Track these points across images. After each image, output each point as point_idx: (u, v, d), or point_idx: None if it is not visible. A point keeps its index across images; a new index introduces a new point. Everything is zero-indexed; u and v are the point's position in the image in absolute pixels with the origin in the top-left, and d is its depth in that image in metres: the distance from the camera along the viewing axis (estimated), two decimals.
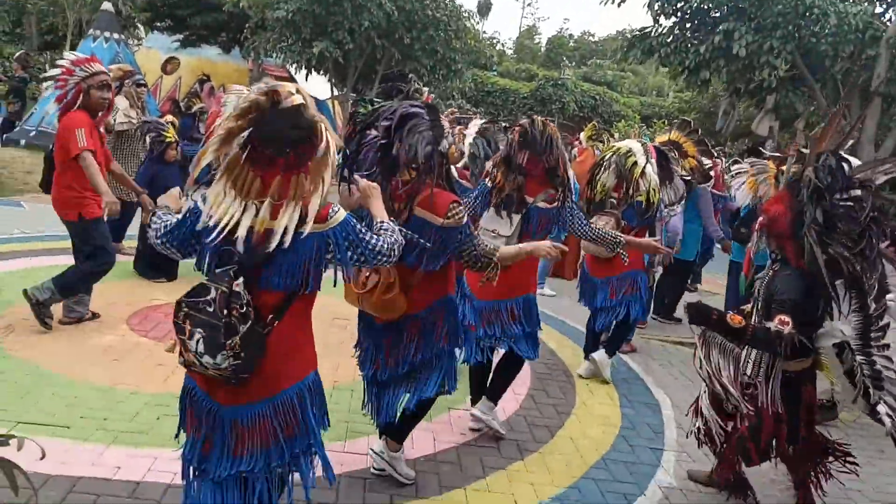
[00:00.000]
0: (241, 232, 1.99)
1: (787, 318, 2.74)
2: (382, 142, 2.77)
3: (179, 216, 2.18)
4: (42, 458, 1.63)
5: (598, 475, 3.64)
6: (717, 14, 11.97)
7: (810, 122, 13.24)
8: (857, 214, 2.74)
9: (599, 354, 5.05)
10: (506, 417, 4.19)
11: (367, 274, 2.80)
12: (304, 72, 14.07)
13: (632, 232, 4.87)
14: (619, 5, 12.44)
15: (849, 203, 2.77)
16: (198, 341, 1.98)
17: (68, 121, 4.62)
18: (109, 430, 3.37)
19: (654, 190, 4.84)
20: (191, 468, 2.25)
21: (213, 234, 2.00)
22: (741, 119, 15.56)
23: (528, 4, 71.17)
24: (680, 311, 7.31)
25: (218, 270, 2.05)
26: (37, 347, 4.33)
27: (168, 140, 6.29)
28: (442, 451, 3.68)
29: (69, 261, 4.98)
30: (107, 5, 12.69)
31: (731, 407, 3.06)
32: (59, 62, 4.87)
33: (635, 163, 4.86)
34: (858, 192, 2.77)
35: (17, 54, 14.35)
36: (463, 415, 4.15)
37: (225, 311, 1.96)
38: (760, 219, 3.12)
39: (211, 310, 1.97)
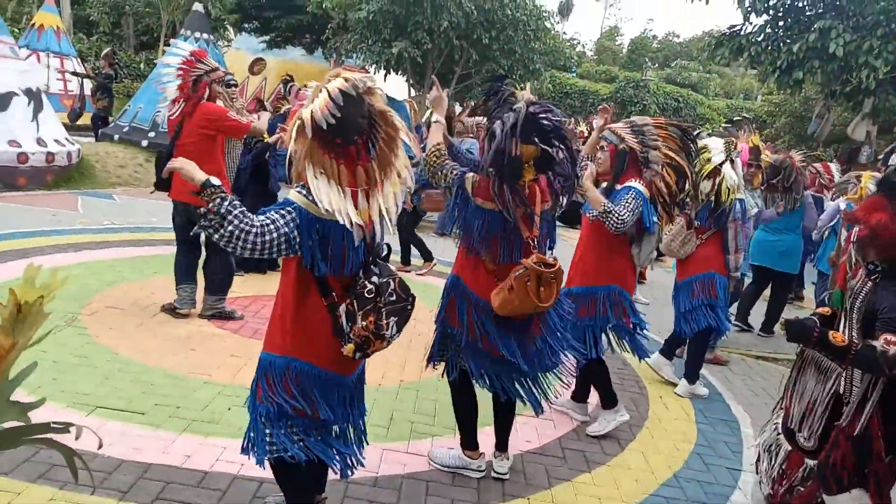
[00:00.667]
0: (374, 217, 2.24)
1: (893, 338, 2.47)
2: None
3: (276, 216, 2.17)
4: (100, 448, 1.64)
5: (669, 493, 3.48)
6: (812, 12, 11.36)
7: None
8: None
9: (654, 357, 5.05)
10: (573, 427, 4.07)
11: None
12: (382, 72, 14.24)
13: (704, 234, 4.74)
14: (707, 2, 12.01)
15: None
16: (391, 325, 2.26)
17: (211, 110, 4.77)
18: (182, 419, 3.46)
19: (727, 189, 4.62)
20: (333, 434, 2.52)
21: (354, 229, 2.17)
22: (836, 123, 14.72)
23: (611, 5, 69.86)
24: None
25: (381, 263, 2.38)
26: (119, 335, 4.51)
27: (266, 139, 6.26)
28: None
29: (153, 251, 5.18)
30: (198, 7, 13.19)
31: (807, 436, 2.78)
32: (175, 51, 4.93)
33: (708, 160, 4.67)
34: None
35: (105, 51, 14.88)
36: (528, 421, 4.05)
37: (404, 294, 2.32)
38: (858, 229, 2.82)
39: (394, 298, 2.28)
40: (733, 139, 4.96)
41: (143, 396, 3.66)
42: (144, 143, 11.50)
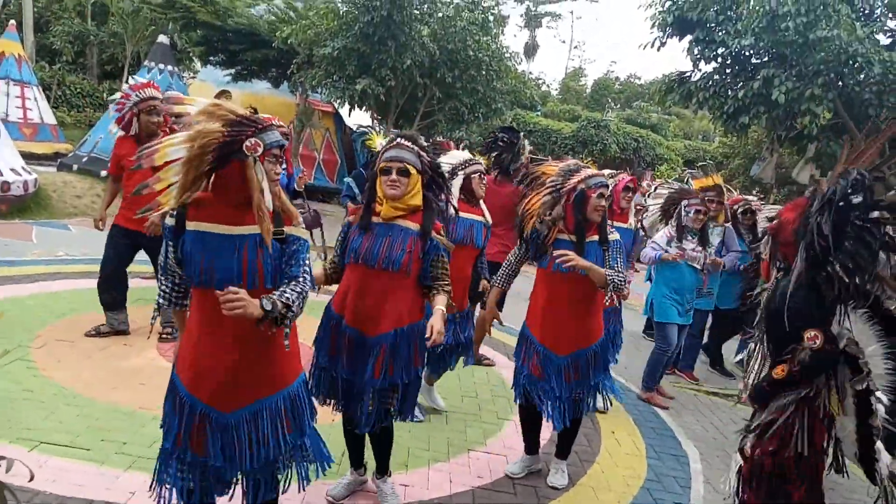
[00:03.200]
0: None
1: (813, 332, 2.54)
2: None
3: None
4: (31, 480, 1.64)
5: None
6: (757, 60, 11.87)
7: None
8: (871, 238, 2.50)
9: None
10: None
11: None
12: (347, 107, 14.36)
13: None
14: (658, 49, 12.46)
15: (865, 224, 2.52)
16: None
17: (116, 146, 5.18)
18: (128, 455, 3.42)
19: None
20: None
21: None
22: (785, 166, 15.28)
23: (576, 47, 71.62)
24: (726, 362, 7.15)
25: None
26: (67, 368, 4.43)
27: None
28: (457, 494, 3.63)
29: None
30: (163, 38, 13.19)
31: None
32: (123, 88, 5.23)
33: None
34: (879, 214, 2.52)
35: None
36: (481, 457, 4.10)
37: None
38: (771, 223, 2.99)
39: None
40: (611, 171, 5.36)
41: (88, 431, 3.60)
42: (103, 173, 11.35)
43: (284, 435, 2.42)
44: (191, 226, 2.26)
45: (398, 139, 3.09)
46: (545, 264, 3.61)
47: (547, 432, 4.60)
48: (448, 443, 4.23)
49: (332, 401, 3.18)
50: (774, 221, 2.89)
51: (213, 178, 2.23)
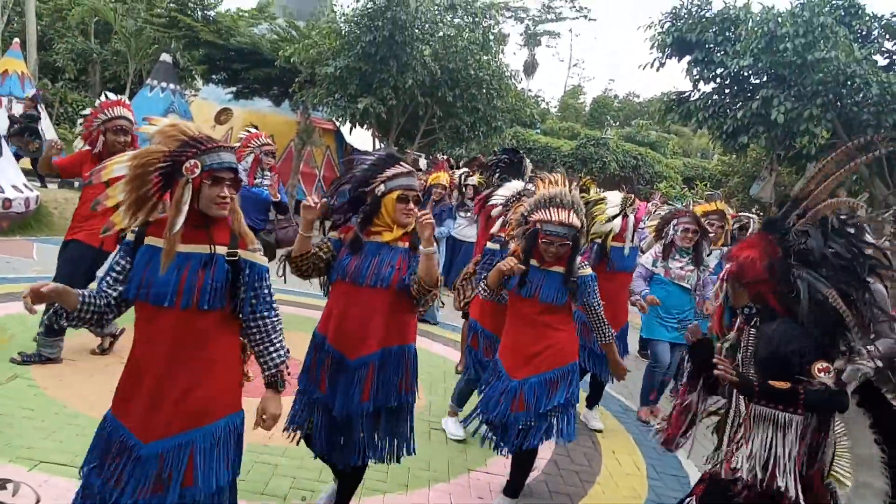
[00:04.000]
0: None
1: (824, 364, 2.40)
2: None
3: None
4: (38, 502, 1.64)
5: None
6: (756, 81, 12.00)
7: (851, 191, 13.04)
8: (847, 259, 2.48)
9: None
10: (527, 483, 4.08)
11: None
12: (348, 125, 14.45)
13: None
14: (657, 70, 12.60)
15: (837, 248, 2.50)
16: None
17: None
18: None
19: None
20: None
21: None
22: (784, 185, 15.38)
23: (575, 65, 72.28)
24: None
25: None
26: (68, 386, 4.43)
27: None
28: None
29: None
30: (165, 57, 13.32)
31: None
32: (94, 106, 5.09)
33: (603, 210, 5.10)
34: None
35: (31, 93, 14.29)
36: (482, 477, 4.10)
37: None
38: (727, 267, 2.75)
39: None
40: (632, 196, 5.33)
41: None
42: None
43: (194, 480, 2.23)
44: (147, 241, 2.30)
45: (399, 162, 3.07)
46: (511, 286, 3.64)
47: (549, 451, 4.60)
48: (448, 463, 4.23)
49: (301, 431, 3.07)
50: (732, 264, 2.67)
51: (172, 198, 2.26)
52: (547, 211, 3.49)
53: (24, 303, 2.16)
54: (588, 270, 3.61)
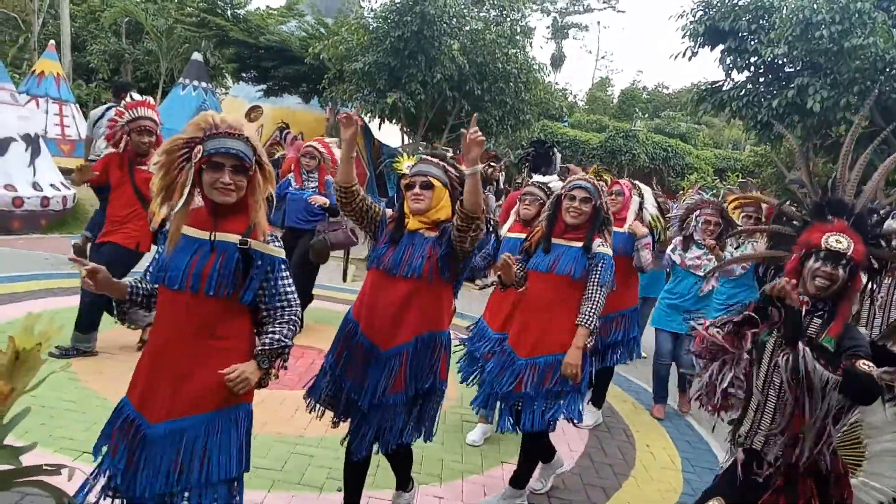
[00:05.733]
0: None
1: (869, 363, 2.21)
2: None
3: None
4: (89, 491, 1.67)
5: None
6: (791, 69, 11.76)
7: (890, 179, 12.72)
8: None
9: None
10: (561, 476, 4.08)
11: None
12: (377, 121, 14.51)
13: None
14: (689, 59, 12.42)
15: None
16: None
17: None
18: None
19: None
20: None
21: None
22: (820, 176, 15.06)
23: (602, 57, 71.49)
24: None
25: None
26: (108, 379, 4.52)
27: None
28: None
29: None
30: (196, 56, 13.52)
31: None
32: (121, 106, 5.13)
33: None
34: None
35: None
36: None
37: None
38: (850, 249, 2.45)
39: None
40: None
41: None
42: None
43: (200, 468, 2.24)
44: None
45: (424, 156, 3.13)
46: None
47: (581, 444, 4.58)
48: (482, 455, 4.23)
49: (329, 410, 3.04)
50: (783, 282, 2.33)
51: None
52: (569, 183, 3.65)
53: (83, 281, 2.29)
54: (607, 250, 3.56)
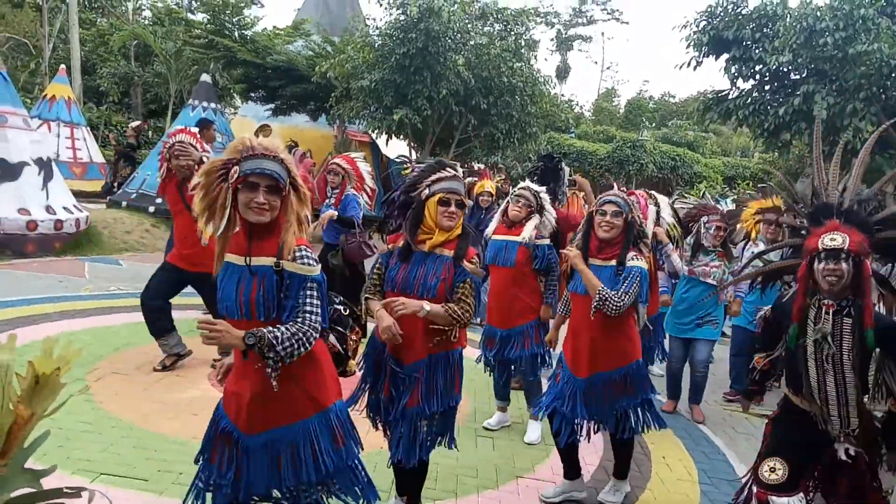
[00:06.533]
0: None
1: None
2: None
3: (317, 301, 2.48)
4: None
5: None
6: (797, 76, 11.78)
7: None
8: None
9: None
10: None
11: None
12: (384, 137, 14.59)
13: None
14: (694, 69, 12.44)
15: None
16: None
17: None
18: (184, 485, 3.46)
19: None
20: None
21: None
22: (828, 181, 14.97)
23: (608, 68, 71.70)
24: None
25: None
26: (124, 401, 4.55)
27: None
28: None
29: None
30: (205, 77, 13.64)
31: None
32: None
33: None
34: None
35: (134, 124, 15.54)
36: (530, 483, 4.07)
37: None
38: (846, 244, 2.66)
39: None
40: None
41: (146, 462, 3.69)
42: (151, 209, 11.74)
43: (303, 466, 2.43)
44: (226, 257, 2.43)
45: (446, 168, 3.12)
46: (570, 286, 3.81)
47: (596, 457, 4.56)
48: (496, 470, 4.22)
49: (378, 420, 3.23)
50: (852, 241, 2.59)
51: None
52: (601, 199, 3.72)
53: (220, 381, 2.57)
54: (641, 263, 3.59)
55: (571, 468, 3.95)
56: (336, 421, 2.50)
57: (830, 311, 2.58)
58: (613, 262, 3.58)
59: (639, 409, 3.76)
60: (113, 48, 23.94)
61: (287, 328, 2.28)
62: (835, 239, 2.56)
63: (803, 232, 2.79)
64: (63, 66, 16.91)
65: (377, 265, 3.20)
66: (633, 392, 3.71)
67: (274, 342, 2.22)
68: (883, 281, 2.76)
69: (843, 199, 2.68)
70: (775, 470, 2.79)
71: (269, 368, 2.27)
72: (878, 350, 2.60)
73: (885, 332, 2.55)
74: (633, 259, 3.57)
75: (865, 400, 2.75)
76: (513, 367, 4.87)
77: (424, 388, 3.01)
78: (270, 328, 2.26)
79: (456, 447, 3.25)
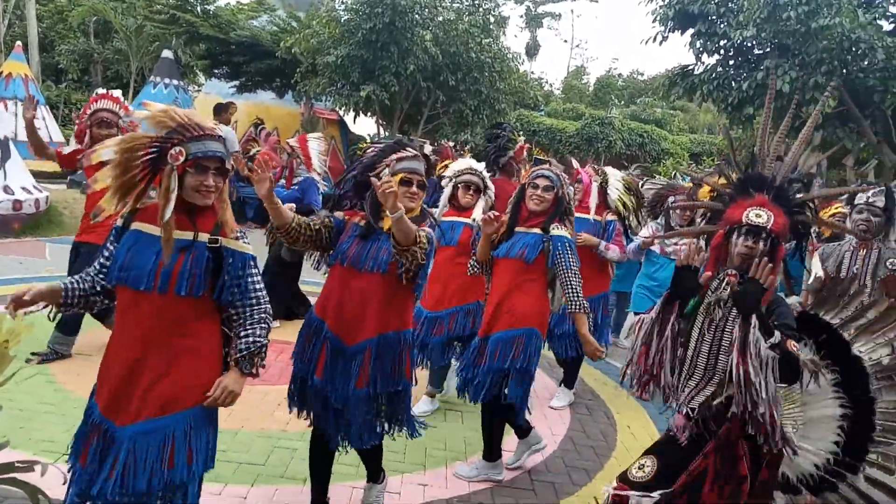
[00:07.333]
0: None
1: (797, 344, 2.38)
2: None
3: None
4: (64, 483, 1.68)
5: None
6: (760, 51, 11.91)
7: (860, 158, 12.93)
8: None
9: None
10: (543, 459, 4.13)
11: None
12: (352, 114, 14.46)
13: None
14: (660, 44, 12.49)
15: None
16: None
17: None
18: None
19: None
20: None
21: None
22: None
23: (577, 45, 71.62)
24: None
25: None
26: (86, 382, 4.43)
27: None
28: (477, 492, 3.65)
29: None
30: (167, 53, 13.36)
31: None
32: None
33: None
34: None
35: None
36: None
37: None
38: (770, 224, 2.55)
39: None
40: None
41: None
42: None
43: (163, 469, 2.20)
44: (133, 226, 2.31)
45: (406, 147, 3.05)
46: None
47: (563, 427, 4.63)
48: (465, 442, 4.26)
49: (305, 412, 3.04)
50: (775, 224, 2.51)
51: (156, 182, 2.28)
52: (533, 172, 3.79)
53: (7, 312, 2.16)
54: (563, 232, 3.68)
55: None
56: (210, 418, 2.39)
57: (732, 281, 2.39)
58: (537, 230, 3.67)
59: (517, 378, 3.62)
60: (72, 24, 23.29)
61: (253, 327, 2.34)
62: (760, 216, 2.44)
63: (725, 198, 2.65)
64: (19, 42, 16.36)
65: (327, 220, 3.00)
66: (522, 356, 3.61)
67: (258, 346, 2.32)
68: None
69: (777, 175, 2.56)
70: (643, 467, 2.63)
71: (257, 369, 2.35)
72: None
73: (771, 306, 2.44)
74: (555, 228, 3.67)
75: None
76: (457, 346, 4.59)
77: (374, 368, 2.88)
78: (243, 344, 2.31)
79: (418, 434, 3.15)
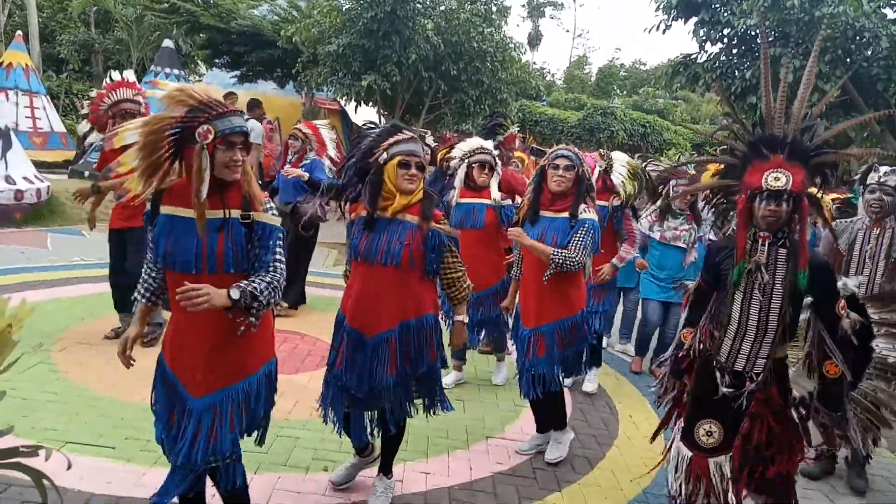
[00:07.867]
0: None
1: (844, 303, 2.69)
2: None
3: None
4: (69, 469, 1.69)
5: None
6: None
7: (863, 147, 12.85)
8: None
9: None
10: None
11: None
12: (353, 104, 14.37)
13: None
14: (663, 32, 12.41)
15: None
16: None
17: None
18: (152, 452, 3.46)
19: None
20: None
21: None
22: None
23: (579, 35, 71.17)
24: None
25: None
26: (89, 370, 4.49)
27: None
28: (478, 480, 3.66)
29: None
30: (168, 43, 13.30)
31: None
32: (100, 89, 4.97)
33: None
34: None
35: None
36: (500, 443, 4.14)
37: None
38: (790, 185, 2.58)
39: None
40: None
41: (113, 431, 3.67)
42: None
43: (238, 427, 2.45)
44: (164, 210, 2.35)
45: (402, 130, 3.04)
46: None
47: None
48: (466, 431, 4.27)
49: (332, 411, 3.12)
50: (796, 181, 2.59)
51: (183, 163, 2.31)
52: (552, 153, 3.76)
53: (123, 362, 2.58)
54: (591, 215, 3.68)
55: (540, 422, 4.09)
56: (267, 378, 2.56)
57: (767, 244, 2.54)
58: (566, 214, 3.65)
59: (581, 356, 3.92)
60: (72, 14, 23.19)
61: (261, 278, 2.31)
62: (779, 178, 2.47)
63: (738, 154, 2.67)
64: (20, 32, 16.31)
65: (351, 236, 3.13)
66: (577, 341, 3.80)
67: (255, 293, 2.24)
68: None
69: (788, 131, 2.56)
70: (711, 433, 2.76)
71: (252, 318, 2.31)
72: (809, 299, 2.68)
73: (816, 272, 2.56)
74: (584, 211, 3.66)
75: (794, 371, 2.83)
76: (484, 328, 4.89)
77: (400, 358, 2.97)
78: (246, 281, 2.28)
79: (451, 408, 3.28)
